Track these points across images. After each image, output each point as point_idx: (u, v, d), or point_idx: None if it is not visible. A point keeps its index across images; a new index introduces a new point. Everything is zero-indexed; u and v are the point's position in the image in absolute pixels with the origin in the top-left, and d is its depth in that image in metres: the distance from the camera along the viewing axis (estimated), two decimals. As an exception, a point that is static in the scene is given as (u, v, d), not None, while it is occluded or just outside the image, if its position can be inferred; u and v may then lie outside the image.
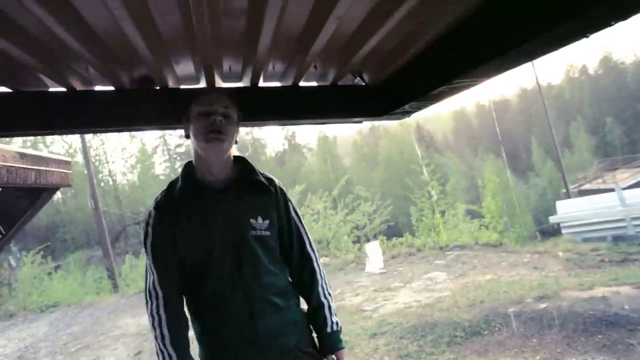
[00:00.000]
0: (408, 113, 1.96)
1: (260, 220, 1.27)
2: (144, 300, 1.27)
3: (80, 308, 8.62)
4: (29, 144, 17.34)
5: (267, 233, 1.28)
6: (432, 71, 1.51)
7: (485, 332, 3.90)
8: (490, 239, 9.07)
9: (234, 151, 1.37)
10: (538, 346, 3.49)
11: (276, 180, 1.38)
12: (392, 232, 13.66)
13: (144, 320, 6.68)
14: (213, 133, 1.21)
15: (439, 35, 1.41)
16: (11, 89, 1.42)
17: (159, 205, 1.27)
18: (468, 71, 1.31)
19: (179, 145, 25.63)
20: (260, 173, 1.36)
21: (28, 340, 6.79)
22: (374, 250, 8.41)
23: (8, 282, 10.75)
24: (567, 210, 10.18)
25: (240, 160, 1.37)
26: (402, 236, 10.93)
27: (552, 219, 10.32)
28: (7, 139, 1.78)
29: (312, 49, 1.38)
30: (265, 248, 1.27)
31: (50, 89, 1.50)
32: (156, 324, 1.22)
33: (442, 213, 11.00)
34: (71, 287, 10.83)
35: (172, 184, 1.31)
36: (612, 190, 10.09)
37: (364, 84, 1.85)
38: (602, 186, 16.12)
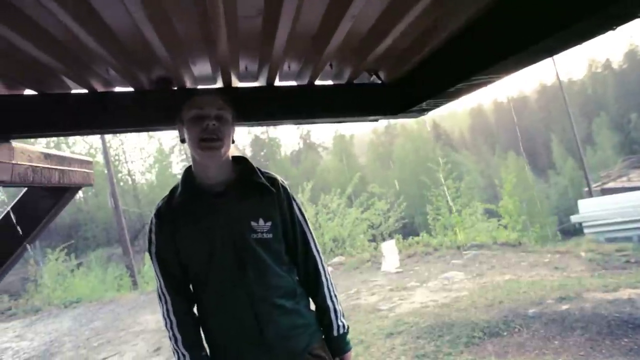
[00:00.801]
0: (425, 111, 1.94)
1: (261, 222, 1.24)
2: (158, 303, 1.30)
3: (101, 304, 8.84)
4: (52, 144, 17.86)
5: (269, 235, 1.24)
6: (450, 68, 1.49)
7: (505, 333, 3.83)
8: (509, 238, 8.88)
9: (234, 151, 1.34)
10: (560, 348, 3.41)
11: (279, 180, 1.33)
12: (408, 230, 13.56)
13: (163, 316, 6.80)
14: (207, 141, 1.18)
15: (456, 32, 1.39)
16: (37, 91, 1.47)
17: (160, 212, 1.27)
18: (486, 68, 1.29)
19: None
20: (262, 172, 1.32)
21: (53, 335, 7.00)
22: (390, 249, 8.35)
23: (34, 278, 11.11)
24: (590, 209, 9.90)
25: (240, 161, 1.33)
26: (418, 235, 10.82)
27: (574, 219, 10.05)
28: (32, 139, 1.84)
29: (328, 48, 1.37)
30: (268, 250, 1.24)
31: (73, 91, 1.54)
32: (168, 327, 1.25)
33: (459, 212, 10.83)
34: (93, 283, 11.11)
35: (173, 190, 1.30)
36: (637, 189, 9.77)
37: (380, 82, 1.84)
38: (627, 184, 15.62)
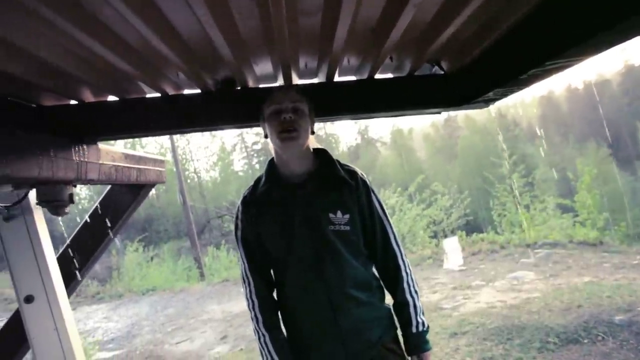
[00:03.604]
0: (492, 101, 1.82)
1: (339, 214, 1.26)
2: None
3: (173, 293, 9.54)
4: (128, 145, 19.54)
5: (347, 228, 1.26)
6: (521, 53, 1.37)
7: (585, 341, 3.50)
8: (588, 236, 8.09)
9: (314, 143, 1.38)
10: (654, 361, 3.05)
11: (359, 172, 1.35)
12: (471, 227, 12.92)
13: (229, 307, 7.18)
14: (285, 132, 1.23)
15: (527, 14, 1.28)
16: (118, 97, 1.60)
17: (245, 200, 1.35)
18: (563, 51, 1.17)
19: (256, 143, 26.89)
20: (342, 165, 1.34)
21: (134, 318, 7.70)
22: (452, 246, 8.03)
23: (116, 267, 12.29)
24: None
25: (320, 153, 1.37)
26: (482, 232, 10.27)
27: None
28: (113, 141, 2.03)
29: (388, 40, 1.33)
30: (345, 242, 1.27)
31: (147, 95, 1.65)
32: (250, 307, 1.32)
33: (527, 207, 10.08)
34: (165, 273, 12.03)
35: (257, 180, 1.37)
36: None
37: (442, 72, 1.76)
38: None
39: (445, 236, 10.17)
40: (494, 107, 2.05)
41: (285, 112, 1.25)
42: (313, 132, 1.34)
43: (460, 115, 25.91)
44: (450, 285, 6.24)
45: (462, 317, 4.62)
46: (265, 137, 1.34)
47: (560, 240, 7.86)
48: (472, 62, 1.64)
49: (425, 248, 9.32)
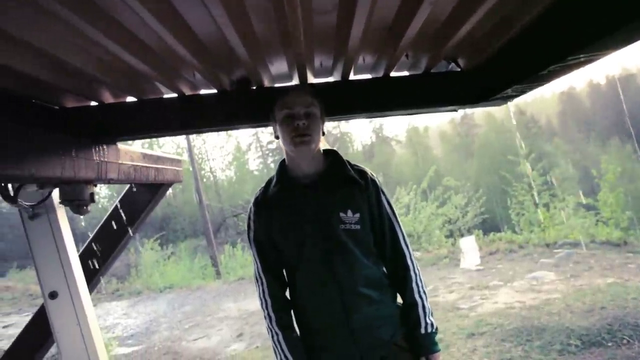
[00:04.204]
0: (510, 97, 1.79)
1: (350, 213, 1.27)
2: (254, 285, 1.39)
3: (190, 290, 9.67)
4: (146, 145, 19.89)
5: (358, 227, 1.27)
6: (541, 49, 1.34)
7: (609, 344, 3.40)
8: (611, 236, 7.85)
9: (324, 144, 1.40)
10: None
11: (368, 172, 1.36)
12: (488, 226, 12.71)
13: (244, 305, 7.25)
14: (299, 137, 1.24)
15: (548, 7, 1.24)
16: (136, 98, 1.63)
17: (257, 201, 1.36)
18: (586, 45, 1.13)
19: (271, 142, 27.04)
20: (352, 165, 1.36)
21: (152, 315, 7.84)
22: (469, 246, 7.92)
23: (135, 264, 12.55)
24: None
25: (330, 153, 1.38)
26: (499, 231, 10.09)
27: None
28: (131, 141, 2.07)
29: (404, 38, 1.32)
30: (356, 241, 1.28)
31: (165, 96, 1.68)
32: (263, 306, 1.34)
33: (547, 206, 9.83)
34: (182, 271, 12.20)
35: (269, 182, 1.39)
36: None
37: (459, 69, 1.73)
38: None
39: (462, 235, 10.03)
40: (512, 104, 2.01)
41: (298, 118, 1.26)
42: (324, 133, 1.35)
43: (477, 112, 25.51)
44: (467, 285, 6.15)
45: (480, 318, 4.55)
46: (277, 138, 1.35)
47: (581, 240, 7.66)
48: (490, 59, 1.62)
49: (441, 247, 9.21)
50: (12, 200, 1.55)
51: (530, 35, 1.38)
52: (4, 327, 8.58)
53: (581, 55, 1.20)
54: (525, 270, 6.38)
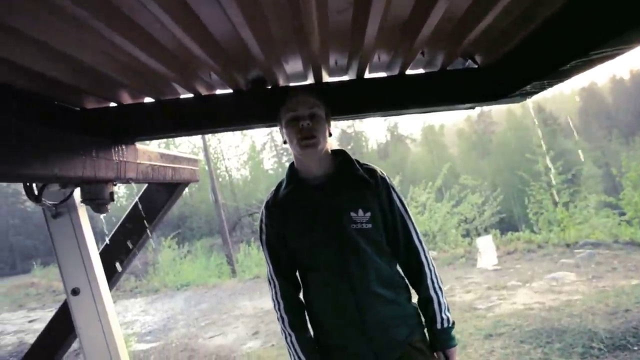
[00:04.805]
0: (529, 94, 1.75)
1: (360, 212, 1.27)
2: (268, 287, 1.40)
3: (206, 289, 9.80)
4: (162, 145, 20.22)
5: (369, 226, 1.27)
6: (561, 44, 1.31)
7: (635, 348, 3.29)
8: (635, 236, 7.60)
9: (333, 144, 1.40)
10: None
11: (378, 171, 1.36)
12: (506, 225, 12.49)
13: (260, 303, 7.30)
14: (305, 140, 1.25)
15: (568, 1, 1.21)
16: (154, 99, 1.66)
17: (268, 204, 1.38)
18: (611, 39, 1.10)
19: (285, 142, 27.14)
20: (361, 164, 1.36)
21: (169, 312, 7.98)
22: (486, 245, 7.81)
23: (152, 262, 12.78)
24: None
25: (339, 154, 1.38)
26: (517, 230, 9.89)
27: None
28: (148, 141, 2.10)
29: (420, 35, 1.31)
30: (368, 240, 1.27)
31: (181, 96, 1.70)
32: (276, 308, 1.35)
33: (566, 205, 9.59)
34: (198, 270, 12.37)
35: (279, 184, 1.40)
36: None
37: (476, 66, 1.70)
38: None
39: (478, 235, 9.88)
40: (530, 101, 1.97)
41: (302, 120, 1.26)
42: (330, 134, 1.35)
43: (495, 109, 25.07)
44: (485, 285, 6.06)
45: (498, 318, 4.48)
46: (284, 142, 1.36)
47: (604, 240, 7.44)
48: (508, 55, 1.58)
49: (457, 247, 9.09)
50: (36, 199, 1.60)
51: (551, 29, 1.34)
52: (30, 321, 8.87)
53: (605, 50, 1.17)
54: (545, 271, 6.25)
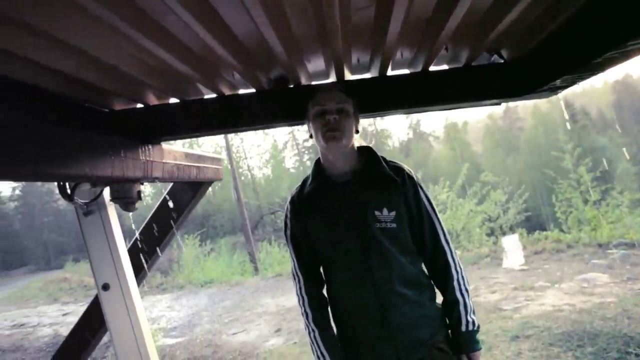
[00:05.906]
0: (559, 89, 1.69)
1: (385, 212, 1.25)
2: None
3: (229, 286, 9.96)
4: (186, 144, 20.62)
5: (394, 225, 1.25)
6: (595, 35, 1.25)
7: (673, 353, 3.14)
8: (675, 236, 7.25)
9: (360, 141, 1.38)
10: None
11: (405, 169, 1.34)
12: (533, 224, 12.13)
13: (282, 301, 7.36)
14: (330, 132, 1.25)
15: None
16: (178, 99, 1.69)
17: (293, 200, 1.38)
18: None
19: (306, 140, 27.17)
20: (388, 162, 1.34)
21: (194, 309, 8.16)
22: (512, 244, 7.60)
23: (177, 260, 13.09)
24: None
25: (365, 151, 1.37)
26: (545, 229, 9.58)
27: None
28: (173, 141, 2.15)
29: (444, 31, 1.28)
30: (392, 240, 1.25)
31: (205, 97, 1.73)
32: (301, 303, 1.35)
33: (597, 203, 9.21)
34: (222, 267, 12.59)
35: (305, 180, 1.40)
36: None
37: (502, 61, 1.66)
38: None
39: (503, 234, 9.63)
40: (558, 96, 1.90)
41: (329, 114, 1.26)
42: (358, 131, 1.34)
43: (520, 105, 24.35)
44: (511, 285, 5.91)
45: (525, 320, 4.35)
46: (310, 137, 1.36)
47: (639, 240, 7.12)
48: (537, 48, 1.53)
49: (482, 246, 8.90)
50: (69, 197, 1.67)
51: (583, 20, 1.29)
52: (64, 314, 9.25)
53: (643, 40, 1.11)
54: (575, 272, 6.03)
